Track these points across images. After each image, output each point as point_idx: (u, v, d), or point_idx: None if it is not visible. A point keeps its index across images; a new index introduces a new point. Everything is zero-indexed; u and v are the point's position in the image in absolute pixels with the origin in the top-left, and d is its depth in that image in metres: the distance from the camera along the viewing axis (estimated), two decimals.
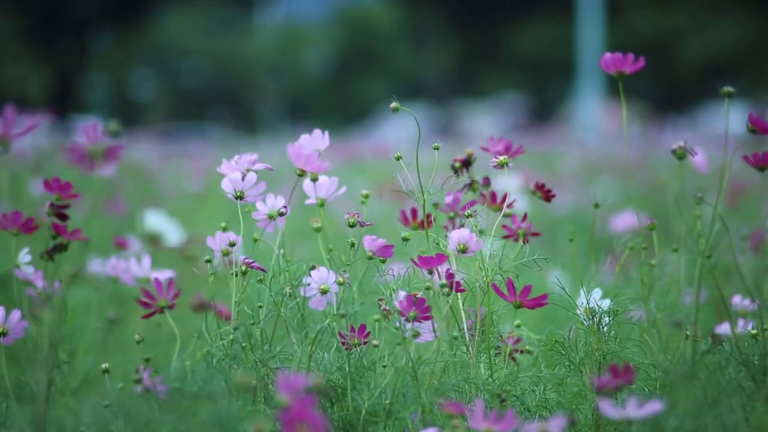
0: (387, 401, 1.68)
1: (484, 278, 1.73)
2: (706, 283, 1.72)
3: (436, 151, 1.76)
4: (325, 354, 1.73)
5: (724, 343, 1.70)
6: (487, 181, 1.95)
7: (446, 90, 27.90)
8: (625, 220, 3.55)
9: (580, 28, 18.04)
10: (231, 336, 1.69)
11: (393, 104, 1.75)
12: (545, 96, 27.08)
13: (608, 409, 1.48)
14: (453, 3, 28.41)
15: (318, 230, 1.82)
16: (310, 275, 1.74)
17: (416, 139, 1.76)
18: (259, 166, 1.80)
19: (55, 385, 1.70)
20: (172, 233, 2.54)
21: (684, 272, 1.84)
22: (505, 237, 1.89)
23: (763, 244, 2.68)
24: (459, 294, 1.74)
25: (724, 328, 1.87)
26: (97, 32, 27.17)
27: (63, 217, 1.74)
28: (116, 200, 4.92)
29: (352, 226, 1.77)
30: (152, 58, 28.84)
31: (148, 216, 2.53)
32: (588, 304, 1.76)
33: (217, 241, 1.75)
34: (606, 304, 1.76)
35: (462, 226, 1.77)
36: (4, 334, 1.71)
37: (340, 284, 1.74)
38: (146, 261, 2.33)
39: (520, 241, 1.88)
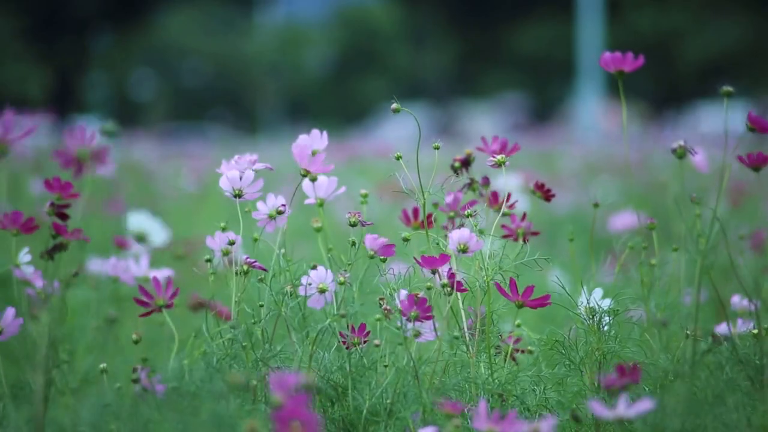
0: (388, 401, 1.68)
1: (485, 278, 1.73)
2: (707, 283, 1.72)
3: (436, 150, 1.76)
4: (326, 353, 1.73)
5: (724, 343, 1.70)
6: (486, 181, 1.95)
7: (446, 90, 27.91)
8: (624, 220, 3.55)
9: (580, 28, 18.04)
10: (229, 335, 1.69)
11: (394, 105, 1.75)
12: (545, 96, 27.08)
13: (600, 409, 1.47)
14: (453, 3, 28.41)
15: (318, 230, 1.82)
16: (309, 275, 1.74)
17: (416, 138, 1.76)
18: (259, 166, 1.80)
19: (54, 384, 1.70)
20: (157, 233, 2.50)
21: (684, 272, 1.84)
22: (505, 237, 1.89)
23: (764, 244, 2.68)
24: (459, 293, 1.74)
25: (722, 328, 1.87)
26: (97, 32, 27.18)
27: (63, 217, 1.74)
28: (116, 200, 4.92)
29: (353, 225, 1.77)
30: (152, 58, 28.85)
31: (131, 216, 2.49)
32: (588, 303, 1.76)
33: (217, 241, 1.75)
34: (606, 303, 1.76)
35: (462, 226, 1.77)
36: None
37: (340, 284, 1.73)
38: (144, 260, 2.33)
39: (520, 241, 1.88)
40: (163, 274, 2.27)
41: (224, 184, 1.78)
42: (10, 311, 1.73)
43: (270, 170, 1.82)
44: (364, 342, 1.72)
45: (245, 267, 1.73)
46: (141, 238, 2.45)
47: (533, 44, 27.27)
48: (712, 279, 1.72)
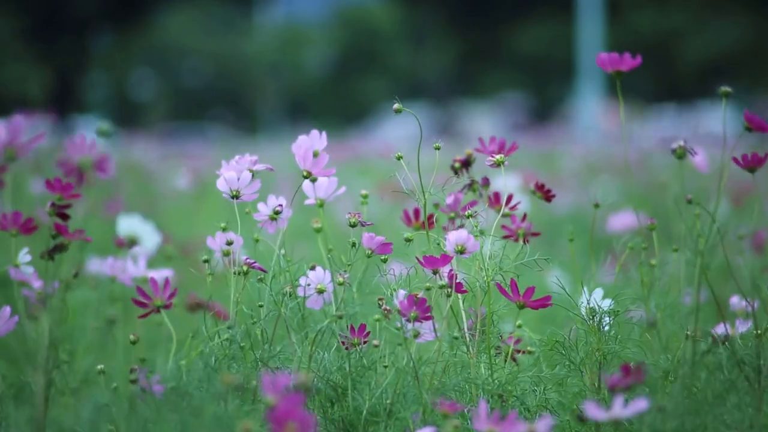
0: (388, 401, 1.68)
1: (485, 278, 1.73)
2: (706, 283, 1.72)
3: (436, 151, 1.76)
4: (326, 354, 1.72)
5: (724, 343, 1.69)
6: (486, 182, 1.95)
7: (446, 90, 27.90)
8: (624, 220, 3.54)
9: (580, 28, 18.04)
10: (227, 335, 1.68)
11: (396, 105, 1.75)
12: (545, 96, 27.07)
13: (594, 411, 1.46)
14: (453, 3, 28.40)
15: (318, 230, 1.82)
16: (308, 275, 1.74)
17: (416, 138, 1.75)
18: (259, 166, 1.80)
19: (54, 385, 1.70)
20: (149, 237, 2.43)
21: (684, 272, 1.84)
22: (505, 237, 1.89)
23: (763, 244, 2.68)
24: (459, 294, 1.74)
25: (721, 329, 1.86)
26: (97, 32, 27.17)
27: (64, 217, 1.74)
28: (116, 200, 4.92)
29: (353, 226, 1.76)
30: (152, 58, 28.85)
31: (120, 220, 2.41)
32: (589, 304, 1.76)
33: (218, 242, 1.75)
34: (606, 304, 1.76)
35: (462, 226, 1.77)
36: None
37: (340, 284, 1.73)
38: (142, 261, 2.32)
39: (521, 241, 1.87)
40: (162, 274, 2.26)
41: (222, 185, 1.78)
42: (6, 310, 1.73)
43: (270, 171, 1.82)
44: (364, 342, 1.71)
45: (244, 267, 1.73)
46: (132, 242, 2.39)
47: (533, 44, 27.27)
48: (713, 279, 1.72)
